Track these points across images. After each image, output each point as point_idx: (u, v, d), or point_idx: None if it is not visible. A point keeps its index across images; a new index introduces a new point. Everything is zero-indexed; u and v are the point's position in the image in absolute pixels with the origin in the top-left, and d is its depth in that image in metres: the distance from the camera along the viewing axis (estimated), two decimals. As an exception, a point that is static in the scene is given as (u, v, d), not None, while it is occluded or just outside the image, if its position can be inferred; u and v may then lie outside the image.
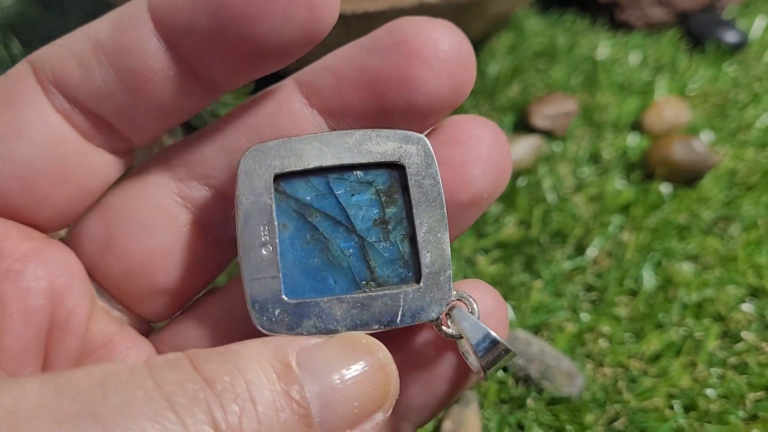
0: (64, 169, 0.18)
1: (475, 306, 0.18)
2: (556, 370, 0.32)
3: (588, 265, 0.38)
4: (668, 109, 0.46)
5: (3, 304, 0.17)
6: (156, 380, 0.13)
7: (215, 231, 0.20)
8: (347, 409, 0.15)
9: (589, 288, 0.37)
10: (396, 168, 0.19)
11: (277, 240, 0.18)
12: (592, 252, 0.39)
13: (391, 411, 0.16)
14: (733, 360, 0.33)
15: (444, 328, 0.18)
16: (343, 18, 0.38)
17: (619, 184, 0.42)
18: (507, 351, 0.18)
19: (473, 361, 0.19)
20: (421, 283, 0.18)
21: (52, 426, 0.12)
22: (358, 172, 0.19)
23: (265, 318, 0.17)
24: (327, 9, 0.17)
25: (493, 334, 0.18)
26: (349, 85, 0.18)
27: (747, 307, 0.36)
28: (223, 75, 0.18)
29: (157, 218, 0.19)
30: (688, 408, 0.31)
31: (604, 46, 0.53)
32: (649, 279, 0.37)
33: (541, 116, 0.45)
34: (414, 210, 0.18)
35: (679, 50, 0.53)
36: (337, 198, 0.19)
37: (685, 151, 0.41)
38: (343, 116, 0.19)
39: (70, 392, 0.13)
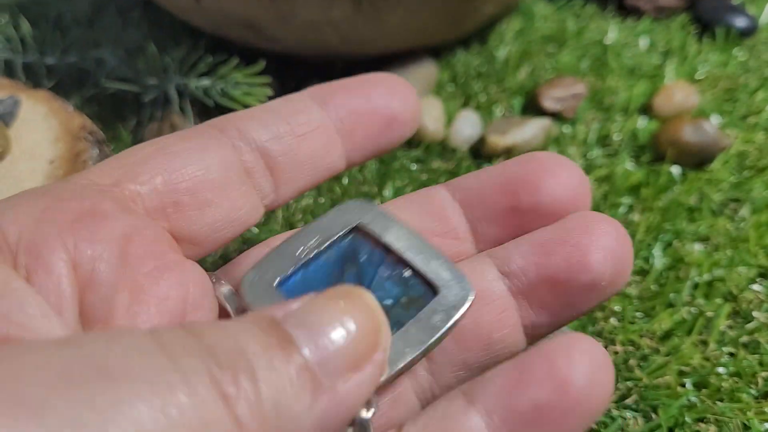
0: (220, 189, 0.21)
1: None
2: (567, 347, 0.32)
3: (598, 246, 0.38)
4: (678, 93, 0.46)
5: (141, 291, 0.18)
6: (159, 343, 0.14)
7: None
8: (343, 359, 0.15)
9: (600, 268, 0.37)
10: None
11: (312, 256, 0.20)
12: (602, 233, 0.38)
13: (389, 348, 0.16)
14: (744, 339, 0.33)
15: None
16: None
17: (629, 166, 0.42)
18: None
19: None
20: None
21: (57, 385, 0.12)
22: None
23: (253, 294, 0.19)
24: (408, 126, 0.24)
25: None
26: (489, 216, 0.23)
27: (757, 287, 0.36)
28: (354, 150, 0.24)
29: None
30: (700, 385, 0.31)
31: (613, 31, 0.53)
32: (659, 259, 0.37)
33: (550, 98, 0.45)
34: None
35: (689, 35, 0.52)
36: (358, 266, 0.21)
37: (695, 134, 0.41)
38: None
39: (75, 352, 0.13)
